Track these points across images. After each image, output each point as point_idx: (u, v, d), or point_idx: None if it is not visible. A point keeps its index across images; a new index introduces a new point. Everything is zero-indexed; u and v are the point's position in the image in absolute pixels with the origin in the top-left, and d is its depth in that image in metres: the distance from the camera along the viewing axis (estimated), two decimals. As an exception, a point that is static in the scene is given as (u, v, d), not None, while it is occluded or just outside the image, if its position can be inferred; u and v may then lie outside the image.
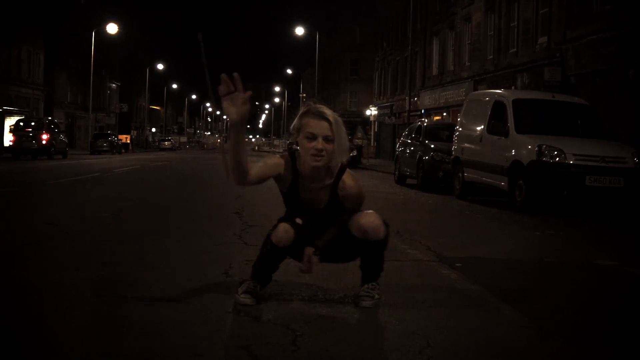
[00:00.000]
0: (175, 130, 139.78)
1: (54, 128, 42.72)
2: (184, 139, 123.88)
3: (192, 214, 11.39)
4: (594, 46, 25.45)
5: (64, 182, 18.58)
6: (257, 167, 4.68)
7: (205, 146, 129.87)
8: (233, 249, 7.47)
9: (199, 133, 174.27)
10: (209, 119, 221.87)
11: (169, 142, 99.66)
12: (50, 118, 47.97)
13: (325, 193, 4.85)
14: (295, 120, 4.78)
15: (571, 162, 14.04)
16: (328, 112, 4.67)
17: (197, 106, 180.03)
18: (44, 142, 39.75)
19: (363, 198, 5.04)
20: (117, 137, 67.07)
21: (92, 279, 5.69)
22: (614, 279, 7.20)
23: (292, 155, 4.82)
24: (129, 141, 76.32)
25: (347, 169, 4.88)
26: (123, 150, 66.52)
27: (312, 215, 4.88)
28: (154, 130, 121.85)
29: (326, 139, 4.60)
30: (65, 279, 5.62)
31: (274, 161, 4.82)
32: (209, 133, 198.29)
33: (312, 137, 4.61)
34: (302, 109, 4.77)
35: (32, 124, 41.45)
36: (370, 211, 4.94)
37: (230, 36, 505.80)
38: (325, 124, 4.62)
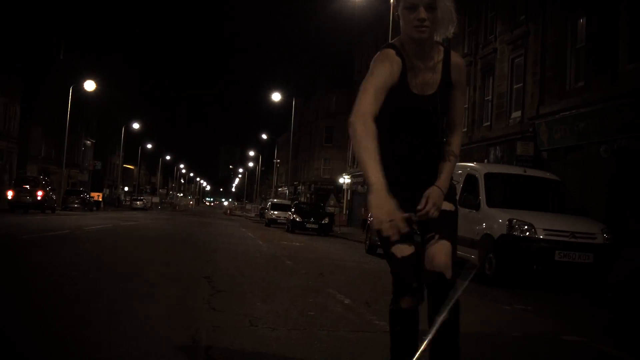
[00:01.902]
0: (148, 190, 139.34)
1: (46, 185, 46.33)
2: (156, 200, 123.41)
3: (161, 277, 11.29)
4: (566, 122, 25.78)
5: (35, 238, 18.42)
6: (374, 105, 3.96)
7: (177, 207, 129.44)
8: (200, 314, 7.42)
9: (171, 194, 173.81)
10: (182, 181, 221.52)
11: (141, 202, 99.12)
12: (44, 176, 52.03)
13: (436, 73, 4.23)
14: None
15: (541, 236, 14.13)
16: None
17: (171, 167, 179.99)
18: (39, 198, 43.53)
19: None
20: (89, 195, 66.72)
21: (56, 340, 5.62)
22: (581, 355, 7.21)
23: (392, 46, 4.21)
24: (100, 199, 75.89)
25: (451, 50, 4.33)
26: (94, 208, 66.09)
27: (423, 106, 4.18)
28: (126, 189, 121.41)
29: (429, 7, 3.98)
30: (33, 337, 5.56)
31: (380, 70, 4.06)
32: (182, 195, 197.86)
33: (413, 7, 4.01)
34: None
35: (30, 181, 46.07)
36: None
37: (208, 98, 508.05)
38: None
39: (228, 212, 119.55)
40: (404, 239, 4.04)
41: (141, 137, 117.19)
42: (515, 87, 31.73)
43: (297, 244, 26.88)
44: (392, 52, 4.13)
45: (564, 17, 26.89)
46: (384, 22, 43.90)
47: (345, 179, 62.23)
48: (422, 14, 3.98)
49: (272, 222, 53.49)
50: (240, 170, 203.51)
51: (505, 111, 32.37)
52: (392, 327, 4.28)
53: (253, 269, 14.11)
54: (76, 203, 59.40)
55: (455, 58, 4.31)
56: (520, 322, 9.35)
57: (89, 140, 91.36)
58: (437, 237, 4.14)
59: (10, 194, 43.92)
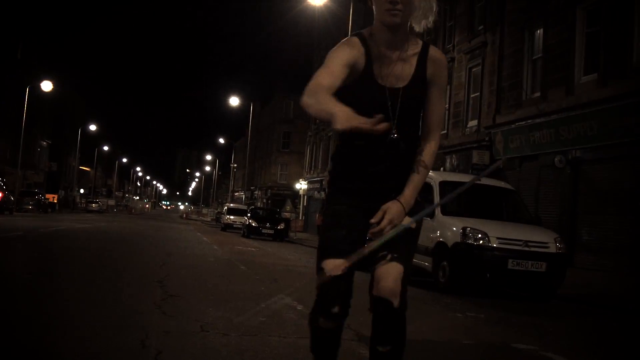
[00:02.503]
0: (104, 193, 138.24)
1: (4, 188, 47.51)
2: (112, 202, 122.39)
3: (112, 280, 11.19)
4: (522, 132, 26.03)
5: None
6: (327, 78, 3.61)
7: (133, 211, 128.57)
8: (151, 319, 7.35)
9: (127, 197, 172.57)
10: (139, 184, 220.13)
11: (97, 205, 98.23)
12: (2, 179, 52.24)
13: (409, 65, 3.84)
14: None
15: (494, 245, 14.23)
16: None
17: (128, 170, 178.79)
18: None
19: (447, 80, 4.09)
20: (44, 196, 66.03)
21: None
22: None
23: (357, 34, 3.87)
24: (56, 201, 75.14)
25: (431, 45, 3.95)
26: (49, 210, 65.41)
27: (388, 99, 3.76)
28: (82, 191, 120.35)
29: None
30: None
31: (337, 54, 3.75)
32: (138, 198, 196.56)
33: None
34: None
35: None
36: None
37: (166, 101, 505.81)
38: None
39: (184, 216, 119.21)
40: (341, 251, 3.71)
41: (98, 139, 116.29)
42: (472, 96, 32.01)
43: (252, 249, 26.80)
44: (355, 39, 3.83)
45: (522, 28, 27.18)
46: (343, 26, 43.97)
47: (302, 185, 62.22)
48: None
49: (228, 226, 53.36)
50: (197, 174, 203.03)
51: (462, 120, 32.61)
52: (311, 330, 3.98)
53: (207, 273, 14.04)
54: (31, 204, 58.75)
55: (435, 52, 3.92)
56: (471, 330, 9.39)
57: (45, 142, 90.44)
58: (389, 257, 3.73)
59: None
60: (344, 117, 3.16)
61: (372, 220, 3.67)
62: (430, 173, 18.06)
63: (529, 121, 25.43)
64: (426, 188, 14.62)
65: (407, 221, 3.74)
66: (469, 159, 29.68)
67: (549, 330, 10.66)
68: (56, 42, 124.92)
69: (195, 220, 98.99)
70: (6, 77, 69.24)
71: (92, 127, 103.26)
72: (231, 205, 62.80)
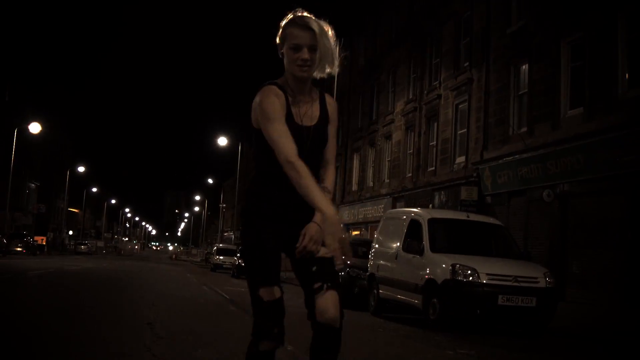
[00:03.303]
0: (93, 235, 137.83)
1: None
2: (101, 244, 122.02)
3: (101, 322, 11.15)
4: (509, 167, 26.12)
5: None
6: (284, 136, 4.24)
7: (122, 252, 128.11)
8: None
9: (116, 238, 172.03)
10: (128, 225, 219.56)
11: (86, 246, 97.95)
12: None
13: (316, 107, 4.56)
14: (279, 31, 4.49)
15: (484, 281, 14.21)
16: (312, 20, 4.39)
17: (116, 211, 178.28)
18: None
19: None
20: (33, 239, 65.77)
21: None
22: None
23: (273, 83, 4.50)
24: (44, 243, 74.81)
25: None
26: (38, 252, 65.12)
27: (305, 136, 4.41)
28: (71, 233, 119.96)
29: (311, 49, 4.33)
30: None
31: (273, 106, 4.35)
32: (127, 239, 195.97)
33: (297, 48, 4.33)
34: (285, 19, 4.48)
35: None
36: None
37: (153, 142, 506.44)
38: (310, 33, 4.34)
39: (173, 256, 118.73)
40: (274, 281, 4.36)
41: (86, 180, 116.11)
42: (459, 132, 32.13)
43: (243, 289, 26.67)
44: (275, 88, 4.40)
45: (507, 64, 27.38)
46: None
47: (291, 224, 62.12)
48: (305, 54, 4.30)
49: (218, 267, 53.12)
50: (187, 214, 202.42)
51: (450, 156, 32.71)
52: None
53: (196, 315, 13.99)
54: (19, 247, 58.52)
55: (329, 98, 4.66)
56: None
57: (34, 183, 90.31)
58: (325, 287, 4.29)
59: None
60: (335, 223, 3.92)
61: (297, 245, 4.26)
62: (419, 210, 18.21)
63: (517, 156, 25.53)
64: (415, 226, 14.56)
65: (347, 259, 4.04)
66: (457, 195, 29.72)
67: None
68: (44, 84, 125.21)
69: (185, 260, 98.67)
70: (-6, 119, 69.29)
71: (81, 169, 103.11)
72: (220, 245, 62.49)
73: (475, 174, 29.14)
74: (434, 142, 34.88)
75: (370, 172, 45.76)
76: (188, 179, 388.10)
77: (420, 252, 15.72)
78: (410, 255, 16.14)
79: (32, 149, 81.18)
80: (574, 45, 23.16)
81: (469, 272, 14.27)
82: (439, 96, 34.12)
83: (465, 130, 31.20)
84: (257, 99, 4.40)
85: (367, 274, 19.00)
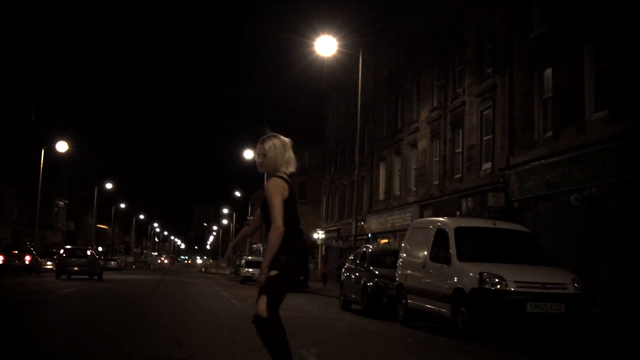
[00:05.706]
0: (122, 250, 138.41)
1: (33, 250, 52.29)
2: (130, 259, 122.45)
3: (130, 339, 11.19)
4: (536, 172, 25.98)
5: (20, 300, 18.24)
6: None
7: (152, 267, 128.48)
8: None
9: (145, 253, 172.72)
10: (157, 239, 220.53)
11: (115, 262, 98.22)
12: (31, 242, 57.85)
13: None
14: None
15: (512, 289, 14.14)
16: (267, 139, 7.00)
17: (145, 226, 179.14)
18: (27, 262, 48.99)
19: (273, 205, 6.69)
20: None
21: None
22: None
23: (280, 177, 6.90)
24: (74, 260, 75.12)
25: (274, 177, 6.85)
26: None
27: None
28: (100, 249, 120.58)
29: (261, 155, 7.01)
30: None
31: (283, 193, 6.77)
32: (156, 253, 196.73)
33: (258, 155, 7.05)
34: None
35: (18, 246, 52.38)
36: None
37: (181, 156, 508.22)
38: (261, 146, 6.96)
39: (203, 269, 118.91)
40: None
41: (114, 196, 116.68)
42: (485, 138, 31.98)
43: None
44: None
45: (530, 68, 27.25)
46: (352, 77, 44.24)
47: (319, 234, 62.00)
48: (260, 158, 7.02)
49: (247, 279, 52.98)
50: (215, 227, 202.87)
51: (476, 163, 32.57)
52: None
53: (225, 330, 14.02)
54: (49, 264, 58.78)
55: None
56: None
57: (62, 201, 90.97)
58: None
59: (0, 259, 48.26)
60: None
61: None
62: (445, 219, 18.18)
63: (543, 161, 25.39)
64: (441, 235, 14.61)
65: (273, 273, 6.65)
66: (484, 201, 29.57)
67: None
68: (70, 103, 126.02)
69: (214, 273, 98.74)
70: (21, 139, 69.73)
71: (109, 185, 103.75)
72: (249, 257, 62.46)
73: (501, 180, 28.99)
74: (460, 149, 34.74)
75: (397, 181, 45.64)
76: (216, 193, 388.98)
77: (448, 261, 15.67)
78: (438, 265, 16.10)
79: (60, 167, 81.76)
80: (597, 47, 23.01)
81: (497, 280, 14.21)
82: (464, 103, 34.00)
83: (491, 136, 31.06)
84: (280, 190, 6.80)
85: (396, 283, 18.99)
